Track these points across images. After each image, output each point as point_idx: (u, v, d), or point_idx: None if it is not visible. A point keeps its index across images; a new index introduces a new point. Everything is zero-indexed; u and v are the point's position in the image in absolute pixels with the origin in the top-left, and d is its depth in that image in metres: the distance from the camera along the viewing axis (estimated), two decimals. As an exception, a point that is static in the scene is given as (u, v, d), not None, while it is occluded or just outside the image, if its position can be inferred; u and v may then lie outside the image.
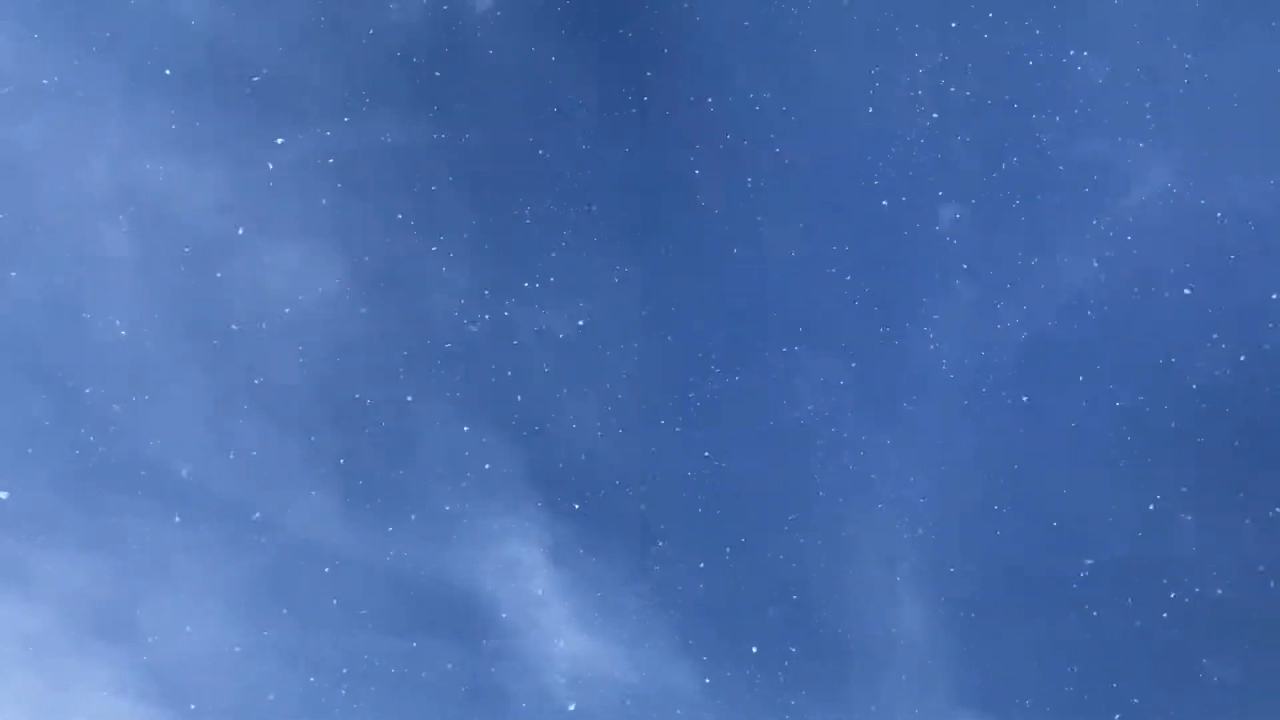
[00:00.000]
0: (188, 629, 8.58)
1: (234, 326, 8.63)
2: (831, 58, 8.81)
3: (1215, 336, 8.54)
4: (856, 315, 8.85)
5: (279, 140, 8.61)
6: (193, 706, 8.59)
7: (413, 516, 8.72)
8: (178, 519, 8.57)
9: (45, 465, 8.47)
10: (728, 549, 8.78)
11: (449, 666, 8.69)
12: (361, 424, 8.72)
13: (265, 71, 8.61)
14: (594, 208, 8.85)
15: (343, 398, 8.73)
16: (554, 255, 8.83)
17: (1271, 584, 8.45)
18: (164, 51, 8.52)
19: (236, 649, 8.61)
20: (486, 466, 8.76)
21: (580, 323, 8.84)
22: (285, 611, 8.64)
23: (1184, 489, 8.57)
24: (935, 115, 8.78)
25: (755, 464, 8.83)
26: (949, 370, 8.81)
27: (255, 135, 8.60)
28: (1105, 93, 8.68)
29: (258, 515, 8.61)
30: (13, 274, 8.43)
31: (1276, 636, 8.44)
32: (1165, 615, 8.51)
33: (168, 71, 8.53)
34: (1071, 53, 8.70)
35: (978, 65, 8.75)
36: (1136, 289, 8.69)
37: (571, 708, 8.73)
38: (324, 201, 8.67)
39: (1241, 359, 8.54)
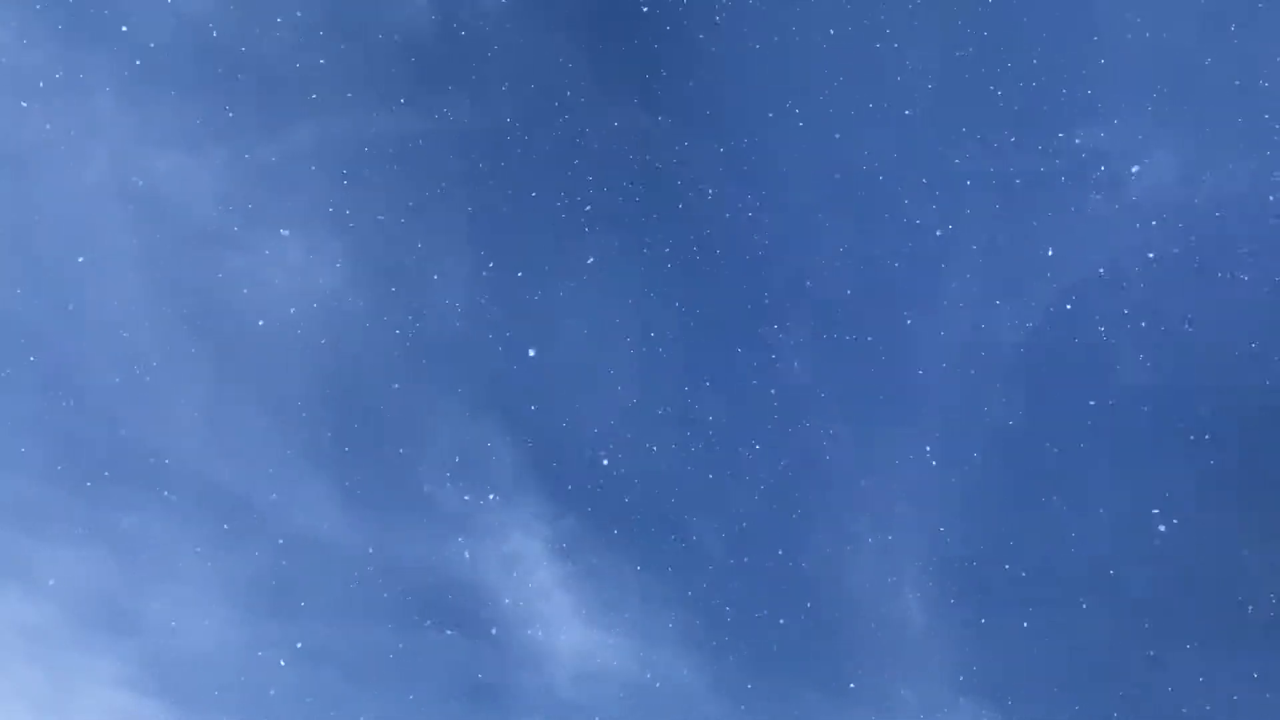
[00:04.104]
0: (190, 623, 8.60)
1: (235, 320, 8.62)
2: (835, 54, 8.81)
3: (1227, 329, 8.55)
4: (860, 314, 8.86)
5: (280, 134, 8.62)
6: (194, 700, 8.61)
7: (415, 511, 8.73)
8: (181, 515, 8.59)
9: (48, 460, 8.47)
10: (729, 543, 8.81)
11: (451, 659, 8.71)
12: (364, 418, 8.73)
13: (267, 65, 8.60)
14: (596, 206, 8.86)
15: (344, 392, 8.73)
16: (557, 252, 8.84)
17: (1269, 578, 8.49)
18: (165, 46, 8.50)
19: (238, 642, 8.62)
20: (489, 461, 8.78)
21: (583, 319, 8.85)
22: (287, 605, 8.65)
23: (1187, 484, 8.61)
24: (937, 112, 8.79)
25: (758, 459, 8.85)
26: (952, 367, 8.83)
27: (257, 129, 8.59)
28: (1107, 86, 8.69)
29: (259, 509, 8.65)
30: (14, 267, 8.42)
31: (1275, 632, 8.48)
32: (1164, 608, 8.55)
33: (169, 66, 8.52)
34: (1074, 47, 8.71)
35: (980, 61, 8.76)
36: (1139, 282, 8.71)
37: (572, 697, 8.77)
38: (326, 195, 8.67)
39: (1249, 355, 8.57)
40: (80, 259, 8.47)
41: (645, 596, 8.80)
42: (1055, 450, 8.74)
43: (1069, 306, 8.75)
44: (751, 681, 8.73)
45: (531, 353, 8.76)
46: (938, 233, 8.81)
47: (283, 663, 8.55)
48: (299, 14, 8.61)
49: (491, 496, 8.78)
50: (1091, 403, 8.72)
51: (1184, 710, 8.49)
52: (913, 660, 8.71)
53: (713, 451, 8.87)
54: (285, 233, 8.63)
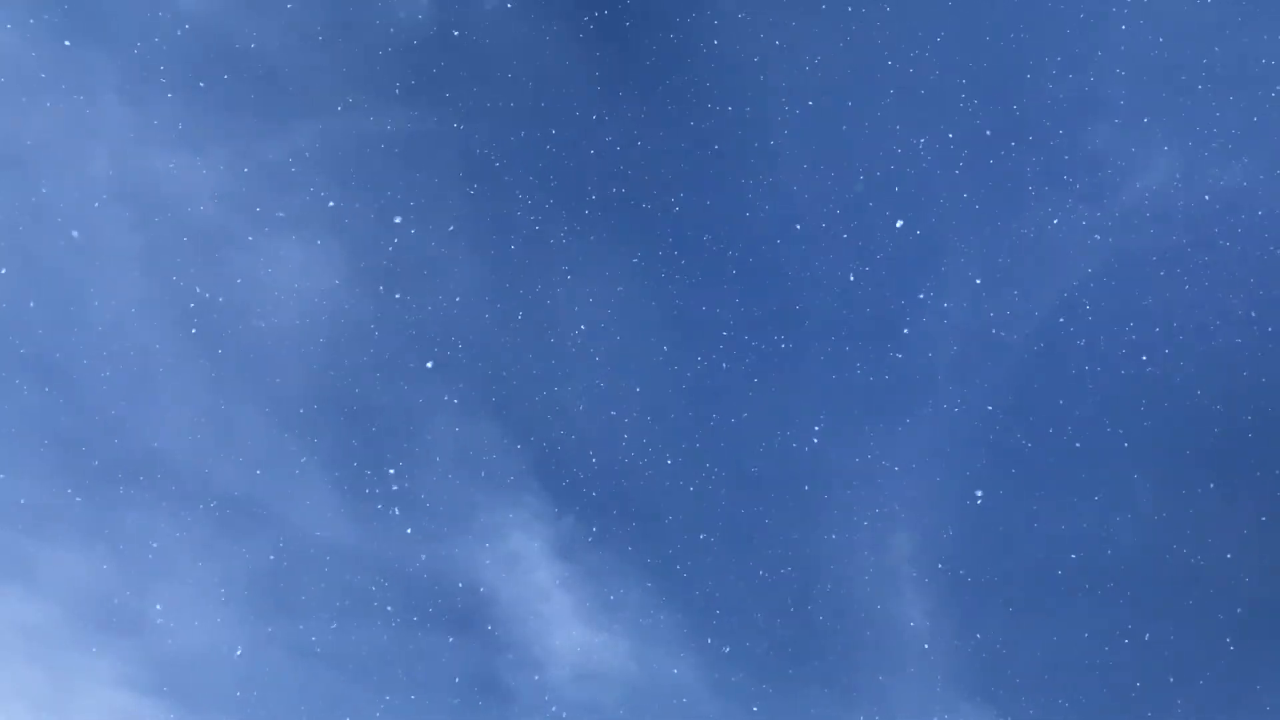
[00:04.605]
0: (190, 623, 8.60)
1: (235, 320, 8.63)
2: (833, 55, 8.82)
3: (1229, 329, 8.58)
4: (859, 313, 8.88)
5: (281, 134, 8.62)
6: (194, 700, 8.61)
7: (415, 511, 8.73)
8: (181, 515, 8.59)
9: (48, 460, 8.47)
10: (730, 543, 8.82)
11: (451, 659, 8.72)
12: (364, 419, 8.73)
13: (269, 65, 8.61)
14: (596, 206, 8.87)
15: (345, 393, 8.73)
16: (559, 253, 8.85)
17: (1270, 578, 8.51)
18: (166, 46, 8.50)
19: (239, 643, 8.63)
20: (489, 461, 8.79)
21: (584, 320, 8.86)
22: (287, 605, 8.65)
23: (1188, 484, 8.63)
24: (937, 113, 8.81)
25: (758, 459, 8.86)
26: (949, 368, 8.86)
27: (258, 129, 8.60)
28: (1104, 88, 8.71)
29: (259, 509, 8.65)
30: (15, 268, 8.43)
31: (1277, 633, 8.50)
32: (1165, 609, 8.57)
33: (171, 66, 8.53)
34: (1073, 48, 8.73)
35: (981, 63, 8.78)
36: (1140, 281, 8.72)
37: (573, 697, 8.78)
38: (326, 195, 8.67)
39: (1244, 355, 8.59)
40: (82, 260, 8.49)
41: (644, 597, 8.82)
42: (1054, 450, 8.76)
43: (1066, 307, 8.78)
44: (751, 682, 8.74)
45: (532, 352, 8.77)
46: (934, 234, 8.84)
47: (240, 651, 8.55)
48: (300, 14, 8.62)
49: (492, 497, 8.80)
50: (1088, 403, 8.75)
51: (1185, 710, 8.52)
52: (912, 660, 8.73)
53: (712, 452, 8.89)
54: (285, 232, 8.64)
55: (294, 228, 8.65)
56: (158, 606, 8.63)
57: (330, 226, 8.69)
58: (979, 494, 8.57)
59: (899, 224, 8.35)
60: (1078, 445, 8.76)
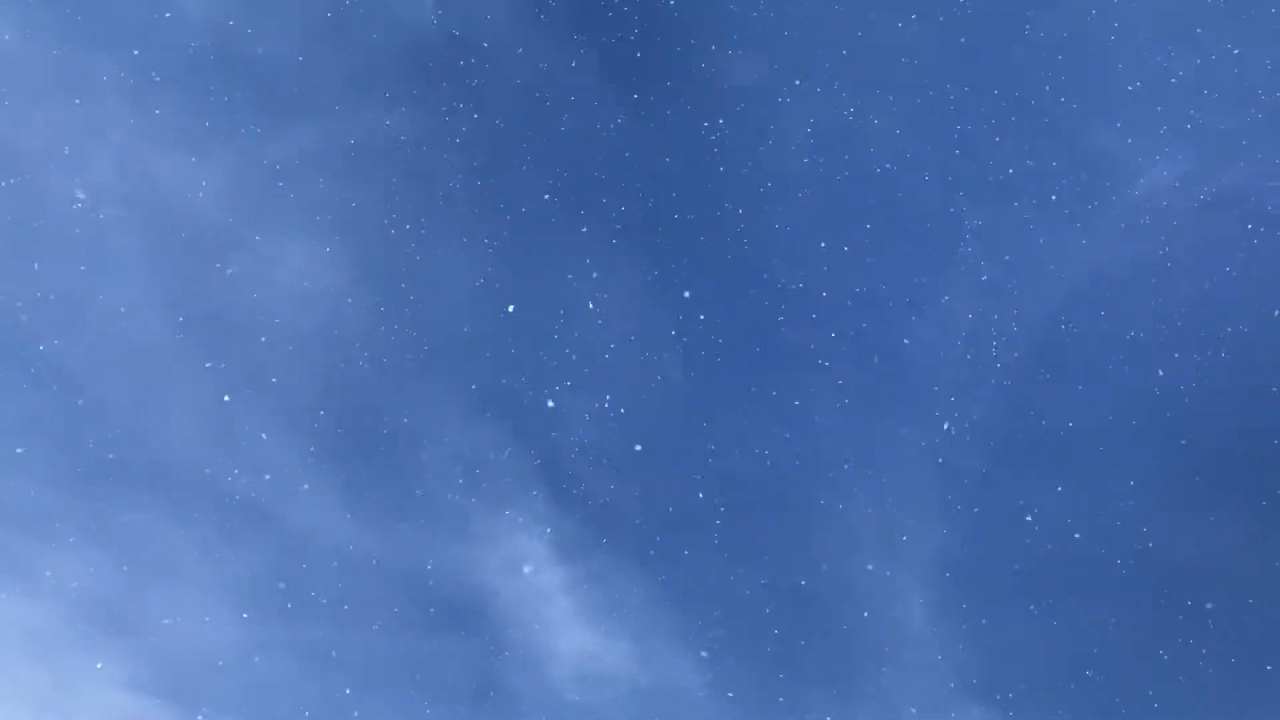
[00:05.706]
0: (192, 625, 8.59)
1: (237, 320, 8.62)
2: (837, 56, 8.82)
3: (1229, 331, 8.59)
4: (860, 310, 8.88)
5: (283, 135, 8.60)
6: (197, 702, 8.61)
7: (418, 512, 8.73)
8: (182, 516, 8.58)
9: (50, 461, 8.46)
10: (731, 544, 8.82)
11: (454, 660, 8.72)
12: (366, 420, 8.73)
13: (270, 66, 8.60)
14: (598, 206, 8.87)
15: (347, 393, 8.73)
16: (560, 253, 8.85)
17: (1271, 579, 8.52)
18: (169, 47, 8.49)
19: (241, 644, 8.62)
20: (492, 462, 8.79)
21: (586, 321, 8.86)
22: (290, 607, 8.65)
23: (1188, 485, 8.64)
24: (940, 114, 8.81)
25: (759, 459, 8.86)
26: (952, 365, 8.86)
27: (260, 130, 8.58)
28: (1113, 88, 8.71)
29: (260, 511, 8.65)
30: (16, 270, 8.41)
31: (1277, 633, 8.51)
32: (1167, 608, 8.58)
33: (172, 66, 8.51)
34: (1078, 51, 8.73)
35: (982, 63, 8.77)
36: (1140, 283, 8.73)
37: (575, 700, 8.79)
38: (328, 196, 8.66)
39: (1247, 356, 8.59)
40: (83, 261, 8.47)
41: (647, 599, 8.83)
42: (1057, 451, 8.77)
43: (1071, 309, 8.79)
44: (753, 682, 8.75)
45: (534, 353, 8.74)
46: (939, 234, 8.84)
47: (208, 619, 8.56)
48: (301, 14, 8.61)
49: (494, 498, 8.80)
50: (1089, 406, 8.76)
51: (1186, 710, 8.54)
52: (915, 661, 8.74)
53: (714, 454, 8.90)
54: (287, 233, 8.63)
55: (295, 228, 8.66)
56: (158, 607, 8.63)
57: (331, 227, 8.69)
58: (1161, 526, 8.59)
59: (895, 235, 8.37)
60: (1079, 447, 8.77)
